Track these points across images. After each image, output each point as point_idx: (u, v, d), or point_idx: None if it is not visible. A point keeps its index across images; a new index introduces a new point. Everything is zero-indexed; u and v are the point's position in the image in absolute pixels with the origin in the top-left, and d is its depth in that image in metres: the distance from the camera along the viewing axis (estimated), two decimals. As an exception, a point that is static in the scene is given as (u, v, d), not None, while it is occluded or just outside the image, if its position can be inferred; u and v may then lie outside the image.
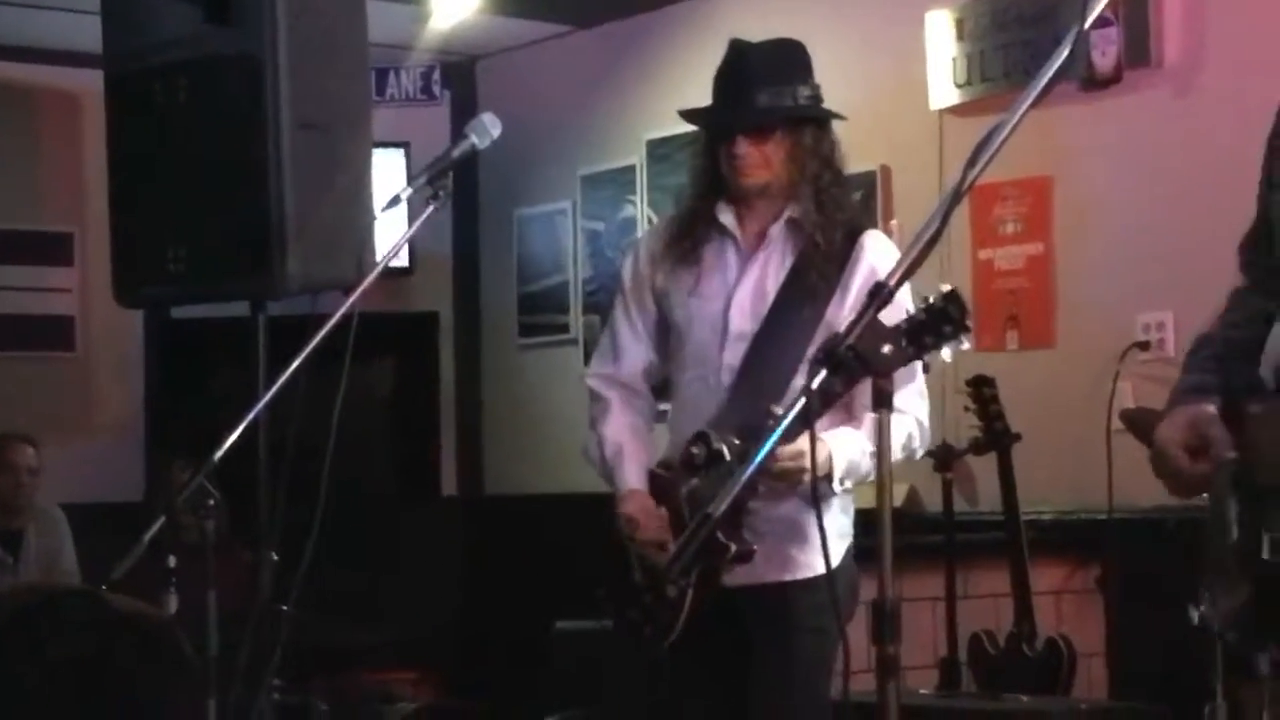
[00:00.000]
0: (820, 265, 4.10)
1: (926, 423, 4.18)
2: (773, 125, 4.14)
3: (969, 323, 2.75)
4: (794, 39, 4.29)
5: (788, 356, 4.05)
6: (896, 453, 4.01)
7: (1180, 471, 2.98)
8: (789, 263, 4.16)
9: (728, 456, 3.99)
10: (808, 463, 3.68)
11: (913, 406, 4.09)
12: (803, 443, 3.73)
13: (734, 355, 4.14)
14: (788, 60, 4.22)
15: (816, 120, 4.20)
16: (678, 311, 4.25)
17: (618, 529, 4.16)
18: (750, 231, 4.21)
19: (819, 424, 3.24)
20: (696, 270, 4.22)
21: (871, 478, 3.87)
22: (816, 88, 4.22)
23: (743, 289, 4.18)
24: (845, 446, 3.99)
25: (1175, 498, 3.12)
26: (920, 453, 4.23)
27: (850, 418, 4.04)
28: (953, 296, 2.86)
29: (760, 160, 4.14)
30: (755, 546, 3.98)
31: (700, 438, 4.06)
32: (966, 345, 2.72)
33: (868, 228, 4.27)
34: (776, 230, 4.18)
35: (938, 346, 2.87)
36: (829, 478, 3.99)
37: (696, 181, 4.30)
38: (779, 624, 4.10)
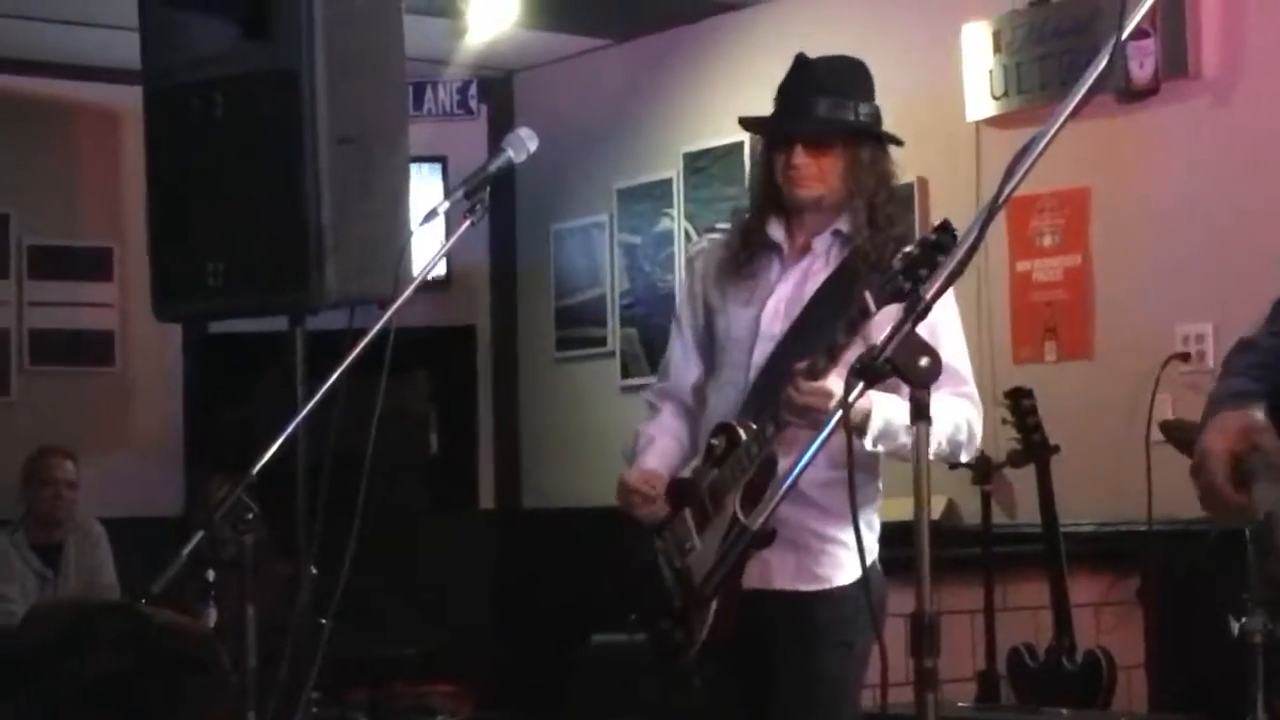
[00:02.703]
0: (864, 272, 4.06)
1: (979, 429, 4.11)
2: (832, 138, 4.13)
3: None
4: (857, 58, 4.29)
5: (813, 351, 4.03)
6: (941, 443, 3.97)
7: (1221, 492, 2.93)
8: (832, 270, 4.14)
9: (744, 439, 3.98)
10: (834, 404, 3.67)
11: (962, 408, 4.04)
12: (830, 382, 3.73)
13: (762, 355, 4.14)
14: (850, 76, 4.22)
15: (876, 138, 4.19)
16: (720, 321, 4.25)
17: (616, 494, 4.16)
18: (798, 242, 4.21)
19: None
20: (745, 285, 4.22)
21: (908, 451, 3.84)
22: (876, 108, 4.21)
23: (779, 293, 4.16)
24: (884, 406, 3.88)
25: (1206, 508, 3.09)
26: (966, 455, 4.15)
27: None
28: (943, 226, 2.95)
29: (816, 172, 4.12)
30: (774, 528, 3.90)
31: (720, 428, 4.06)
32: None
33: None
34: (821, 241, 4.17)
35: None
36: (862, 431, 3.91)
37: (754, 194, 4.30)
38: (802, 638, 4.07)
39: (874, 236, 4.10)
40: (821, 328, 4.00)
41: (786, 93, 4.22)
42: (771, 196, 4.21)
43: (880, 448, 3.97)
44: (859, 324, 3.68)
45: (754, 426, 3.98)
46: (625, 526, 4.26)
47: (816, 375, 3.78)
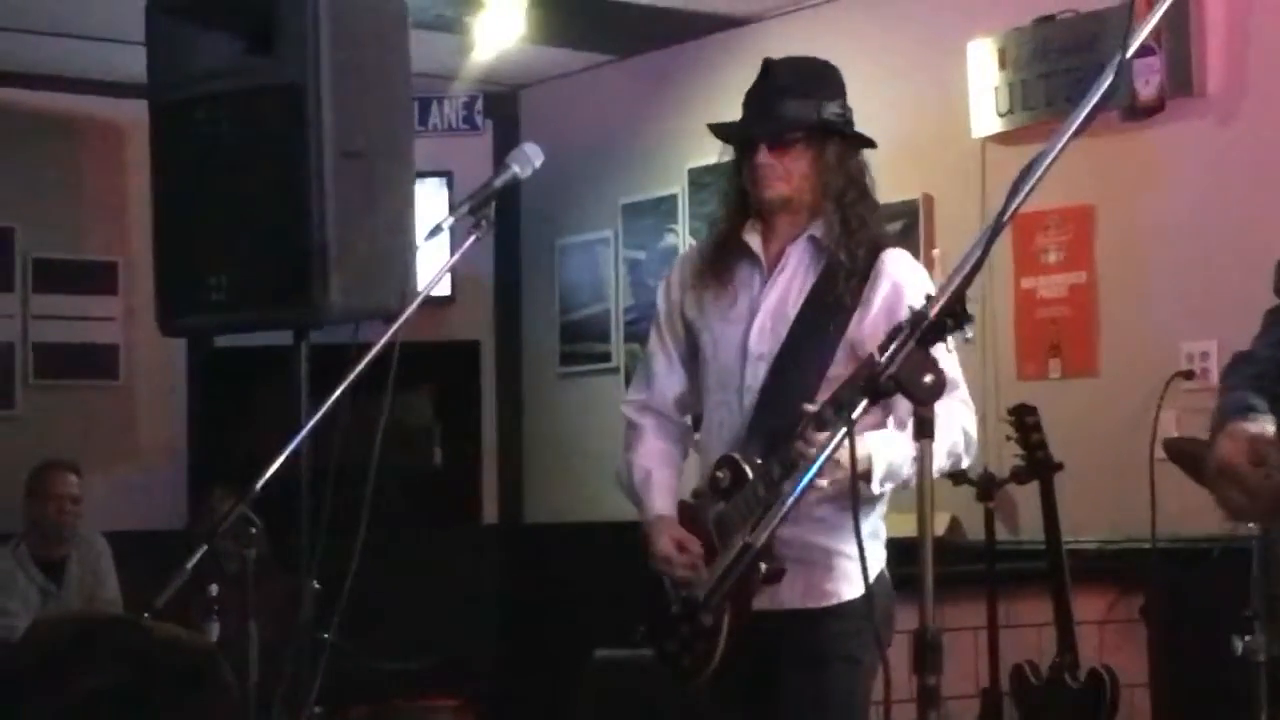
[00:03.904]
0: (842, 283, 4.06)
1: (974, 432, 4.11)
2: (794, 136, 4.11)
3: (971, 310, 2.72)
4: (825, 60, 4.28)
5: (809, 376, 4.02)
6: (941, 460, 3.98)
7: (1255, 485, 2.92)
8: (810, 282, 4.13)
9: (750, 477, 3.98)
10: (841, 456, 3.66)
11: (957, 415, 4.04)
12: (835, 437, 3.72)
13: (755, 377, 4.12)
14: (815, 76, 4.21)
15: (843, 137, 4.17)
16: (704, 336, 4.24)
17: (650, 564, 4.16)
18: (773, 251, 4.19)
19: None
20: (723, 294, 4.20)
21: (913, 483, 3.87)
22: (846, 107, 4.18)
23: (763, 310, 4.15)
24: (886, 448, 3.92)
25: (1230, 521, 3.08)
26: (967, 461, 4.16)
27: (886, 415, 3.95)
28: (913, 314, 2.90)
29: (781, 172, 4.11)
30: (785, 566, 3.95)
31: (725, 461, 4.06)
32: (970, 335, 2.68)
33: (890, 246, 4.20)
34: (796, 249, 4.15)
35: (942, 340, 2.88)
36: (867, 477, 3.92)
37: (726, 202, 4.29)
38: (810, 653, 4.07)
39: (846, 240, 4.08)
40: (811, 347, 4.01)
41: (752, 96, 4.21)
42: (744, 203, 4.20)
43: (887, 487, 3.99)
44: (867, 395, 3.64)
45: (759, 463, 3.97)
46: (629, 541, 4.26)
47: (824, 427, 3.78)
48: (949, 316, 2.72)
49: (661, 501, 4.21)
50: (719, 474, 4.06)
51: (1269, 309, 3.25)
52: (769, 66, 4.21)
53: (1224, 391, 3.12)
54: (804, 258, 4.15)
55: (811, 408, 3.82)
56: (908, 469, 3.92)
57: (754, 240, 4.18)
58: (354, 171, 4.29)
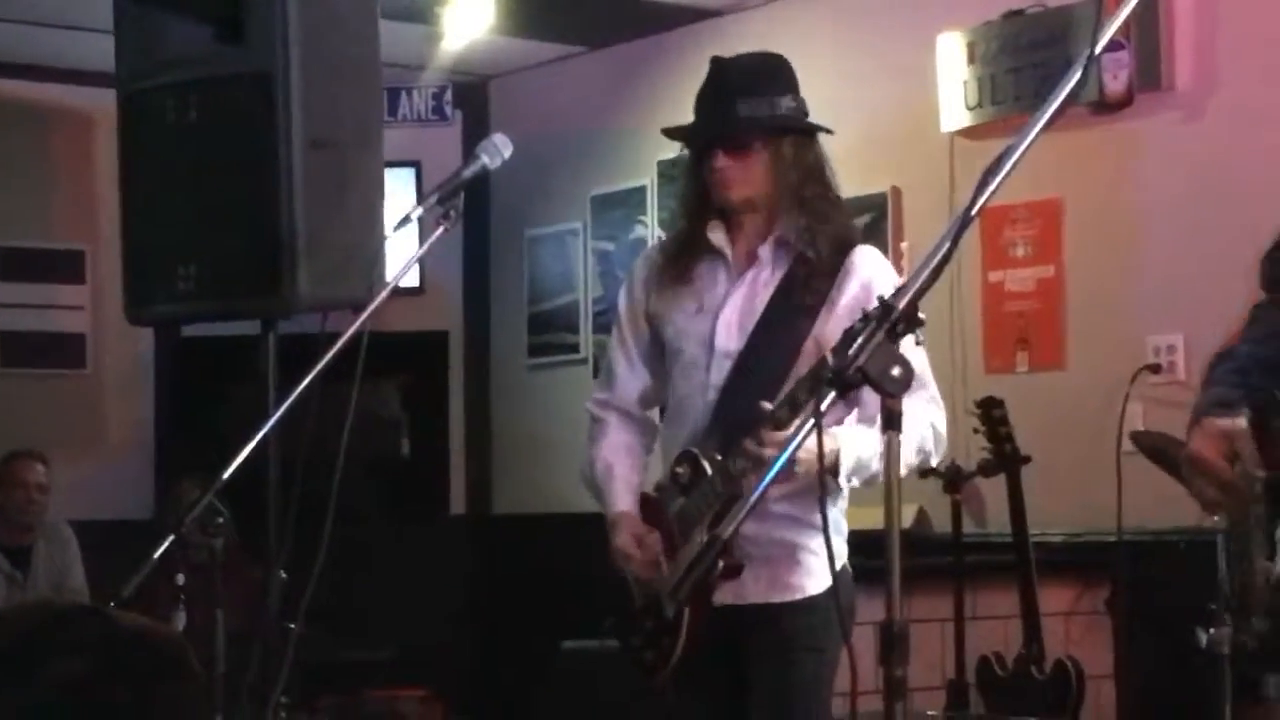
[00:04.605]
0: (808, 281, 4.05)
1: (944, 430, 4.10)
2: (750, 137, 4.09)
3: (921, 316, 2.71)
4: (776, 53, 4.25)
5: (773, 374, 4.01)
6: (910, 456, 3.97)
7: (1225, 478, 2.94)
8: (778, 281, 4.13)
9: (709, 472, 3.98)
10: (803, 453, 3.65)
11: (926, 413, 4.04)
12: (793, 431, 3.72)
13: (720, 374, 4.11)
14: (767, 72, 4.17)
15: (800, 131, 4.15)
16: (669, 332, 4.22)
17: (611, 557, 4.16)
18: (741, 251, 4.16)
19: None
20: (688, 291, 4.18)
21: (880, 478, 3.87)
22: (800, 100, 4.14)
23: (730, 307, 4.14)
24: (854, 443, 3.91)
25: (1203, 513, 3.10)
26: (936, 459, 4.16)
27: (850, 411, 3.94)
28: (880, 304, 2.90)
29: (741, 174, 4.09)
30: (744, 562, 3.96)
31: (685, 457, 4.06)
32: (921, 339, 2.68)
33: (859, 242, 4.17)
34: (766, 250, 4.13)
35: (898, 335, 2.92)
36: (835, 470, 3.91)
37: (685, 201, 4.26)
38: (775, 646, 4.07)
39: (812, 238, 4.07)
40: (776, 345, 4.00)
41: (704, 96, 4.18)
42: (703, 202, 4.18)
43: (855, 481, 3.98)
44: (820, 388, 3.66)
45: (719, 459, 3.97)
46: (597, 533, 4.26)
47: (780, 425, 3.78)
48: (902, 321, 2.73)
49: (623, 498, 4.20)
50: (678, 469, 4.06)
51: (1254, 304, 3.26)
52: (719, 66, 4.17)
53: (1204, 387, 3.13)
54: (774, 258, 4.13)
55: (768, 406, 3.82)
56: (876, 464, 3.91)
57: (718, 238, 4.16)
58: (323, 161, 4.28)
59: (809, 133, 4.16)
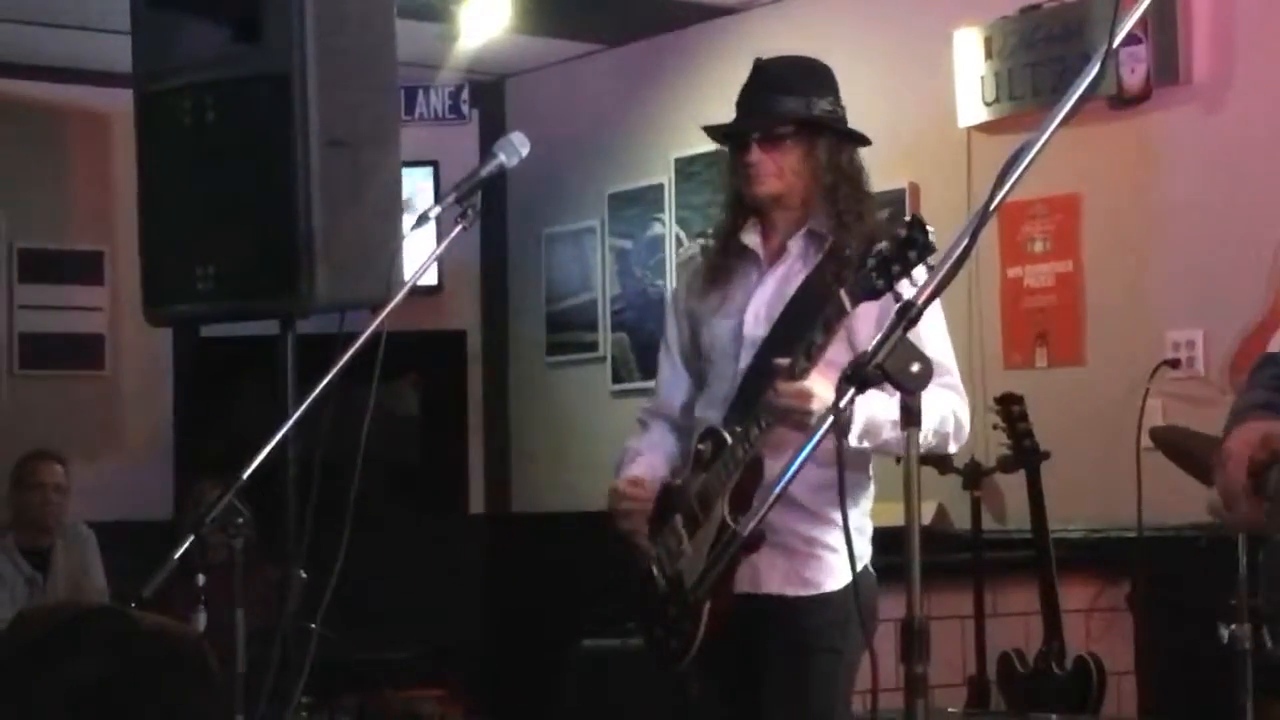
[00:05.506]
0: (839, 273, 4.04)
1: (965, 418, 4.07)
2: (783, 130, 4.11)
3: (933, 241, 2.74)
4: (817, 59, 4.29)
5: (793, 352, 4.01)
6: (927, 437, 3.93)
7: (1240, 497, 2.92)
8: (809, 271, 4.13)
9: (729, 442, 3.98)
10: (814, 404, 3.69)
11: (945, 398, 4.00)
12: (810, 382, 3.73)
13: (746, 360, 4.13)
14: (805, 72, 4.21)
15: (835, 132, 4.17)
16: (704, 333, 4.24)
17: (611, 521, 4.16)
18: (772, 246, 4.19)
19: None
20: (723, 292, 4.21)
21: (891, 447, 3.87)
22: (839, 106, 4.18)
23: (759, 298, 4.15)
24: (867, 403, 3.81)
25: (1216, 514, 3.08)
26: (955, 445, 4.11)
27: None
28: (914, 222, 3.07)
29: (772, 168, 4.10)
30: (763, 530, 3.88)
31: (707, 434, 4.06)
32: (931, 264, 2.70)
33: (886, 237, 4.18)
34: (795, 243, 4.15)
35: (906, 273, 3.07)
36: (845, 430, 3.85)
37: (726, 203, 4.30)
38: (792, 644, 4.06)
39: (841, 234, 4.07)
40: (801, 329, 3.99)
41: (743, 97, 4.22)
42: (741, 202, 4.20)
43: (865, 444, 3.95)
44: (835, 322, 3.70)
45: (739, 430, 3.97)
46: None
47: (796, 376, 3.78)
48: (912, 248, 2.79)
49: (639, 470, 4.21)
50: (701, 446, 4.07)
51: None
52: (761, 65, 4.22)
53: (1245, 390, 3.12)
54: (803, 250, 4.15)
55: (783, 361, 3.82)
56: (888, 431, 3.88)
57: (752, 239, 4.19)
58: (340, 161, 4.29)
59: (844, 136, 4.17)
